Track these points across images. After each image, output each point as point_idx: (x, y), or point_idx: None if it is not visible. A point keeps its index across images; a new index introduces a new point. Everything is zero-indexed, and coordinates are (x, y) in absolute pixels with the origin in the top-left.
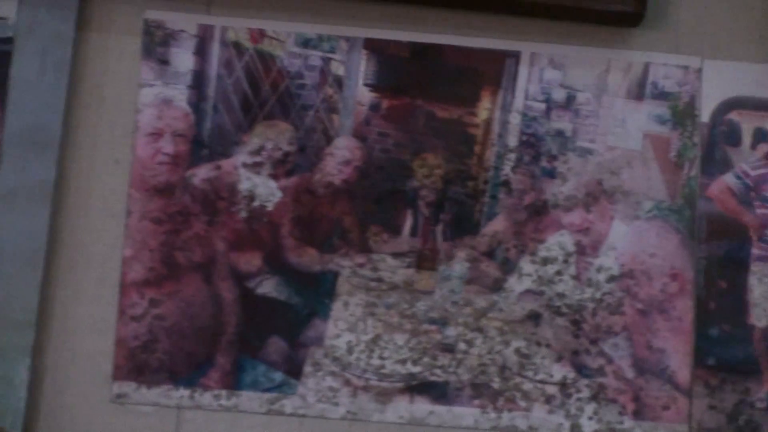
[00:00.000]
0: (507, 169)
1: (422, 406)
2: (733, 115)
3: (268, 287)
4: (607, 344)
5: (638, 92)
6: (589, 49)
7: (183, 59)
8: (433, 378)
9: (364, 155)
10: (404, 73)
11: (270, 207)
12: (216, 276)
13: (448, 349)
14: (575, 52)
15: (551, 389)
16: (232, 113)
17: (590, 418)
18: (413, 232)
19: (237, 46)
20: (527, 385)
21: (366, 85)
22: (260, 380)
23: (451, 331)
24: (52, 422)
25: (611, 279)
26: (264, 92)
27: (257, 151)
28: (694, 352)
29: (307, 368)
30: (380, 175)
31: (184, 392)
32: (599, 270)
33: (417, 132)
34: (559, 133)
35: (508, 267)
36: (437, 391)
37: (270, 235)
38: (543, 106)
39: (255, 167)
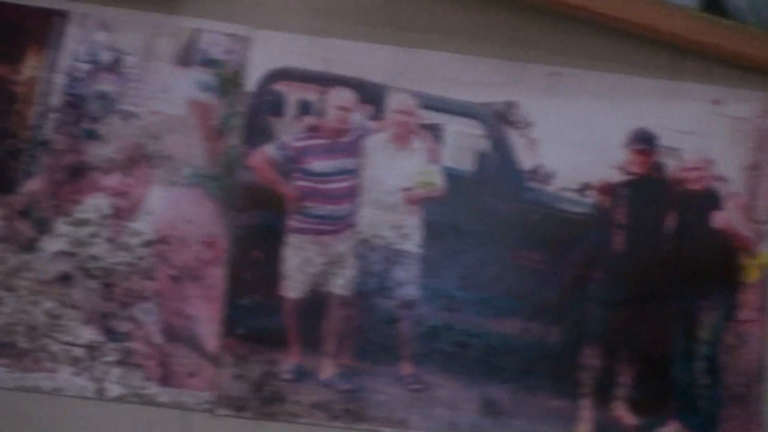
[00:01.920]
0: (48, 128)
1: None
2: (279, 86)
3: None
4: (138, 309)
5: (186, 58)
6: (140, 13)
7: None
8: None
9: None
10: None
11: None
12: None
13: None
14: (126, 15)
15: (78, 351)
16: None
17: (116, 382)
18: None
19: None
20: (55, 347)
21: None
22: None
23: None
24: None
25: (145, 244)
26: None
27: None
28: (224, 321)
29: None
30: None
31: None
32: (134, 234)
33: None
34: (104, 96)
35: (43, 227)
36: None
37: None
38: (89, 67)
39: None
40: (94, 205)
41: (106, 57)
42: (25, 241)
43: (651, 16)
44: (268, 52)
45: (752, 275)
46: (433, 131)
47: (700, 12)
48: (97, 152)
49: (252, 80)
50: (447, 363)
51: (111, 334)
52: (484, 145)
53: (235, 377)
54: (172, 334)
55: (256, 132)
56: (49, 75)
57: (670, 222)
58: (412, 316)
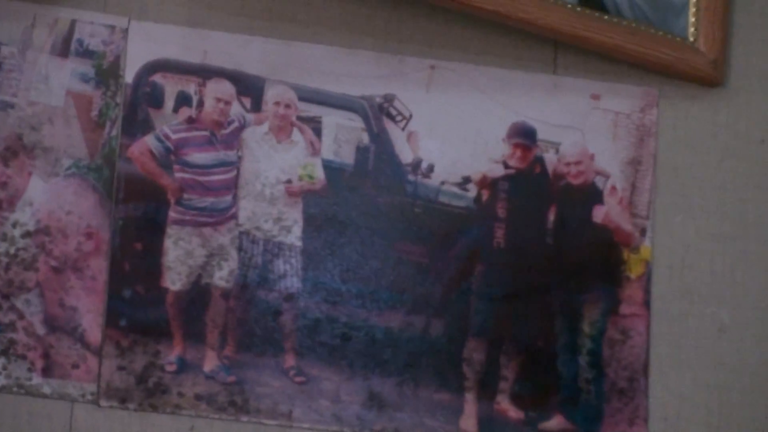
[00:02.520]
0: None
1: None
2: (157, 78)
3: None
4: (20, 300)
5: (63, 49)
6: (17, 3)
7: None
8: None
9: None
10: None
11: None
12: None
13: None
14: (1, 5)
15: None
16: None
17: None
18: None
19: None
20: None
21: None
22: None
23: None
24: None
25: (26, 235)
26: None
27: None
28: (107, 313)
29: None
30: None
31: None
32: (15, 225)
33: None
34: None
35: None
36: None
37: None
38: None
39: None
40: None
41: None
42: None
43: (529, 10)
44: (146, 43)
45: (634, 270)
46: (313, 124)
47: (579, 6)
48: None
49: (130, 71)
50: (330, 356)
51: None
52: (364, 138)
53: (118, 369)
54: (54, 325)
55: (136, 123)
56: None
57: (551, 216)
58: (295, 308)
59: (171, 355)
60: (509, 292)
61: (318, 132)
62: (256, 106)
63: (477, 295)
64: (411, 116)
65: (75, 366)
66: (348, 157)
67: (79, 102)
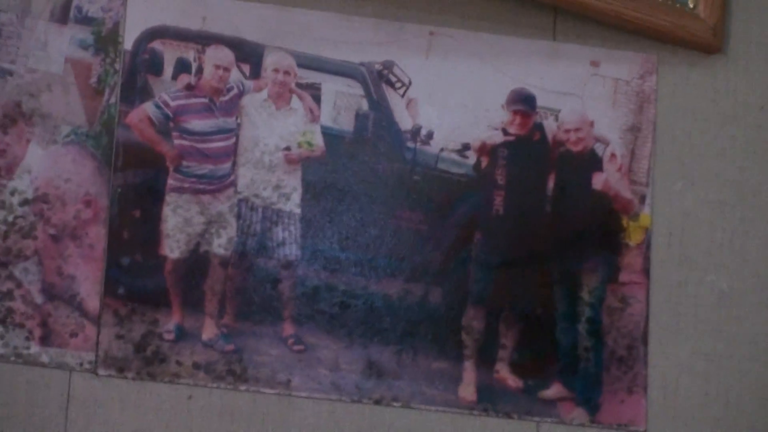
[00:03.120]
0: None
1: None
2: (156, 44)
3: None
4: (18, 268)
5: (62, 16)
6: None
7: None
8: None
9: None
10: None
11: None
12: None
13: None
14: None
15: None
16: None
17: None
18: None
19: None
20: None
21: None
22: None
23: None
24: None
25: (24, 202)
26: None
27: None
28: (105, 281)
29: None
30: None
31: None
32: (13, 193)
33: None
34: None
35: None
36: None
37: None
38: None
39: None
40: None
41: None
42: None
43: None
44: (145, 9)
45: (634, 237)
46: (312, 90)
47: None
48: None
49: (129, 38)
50: (329, 324)
51: None
52: (363, 104)
53: (116, 337)
54: (52, 294)
55: (135, 90)
56: None
57: (551, 183)
58: (293, 276)
59: (169, 323)
60: (508, 260)
61: (317, 99)
62: (255, 73)
63: (476, 263)
64: (410, 83)
65: (73, 335)
66: (347, 124)
67: (78, 69)
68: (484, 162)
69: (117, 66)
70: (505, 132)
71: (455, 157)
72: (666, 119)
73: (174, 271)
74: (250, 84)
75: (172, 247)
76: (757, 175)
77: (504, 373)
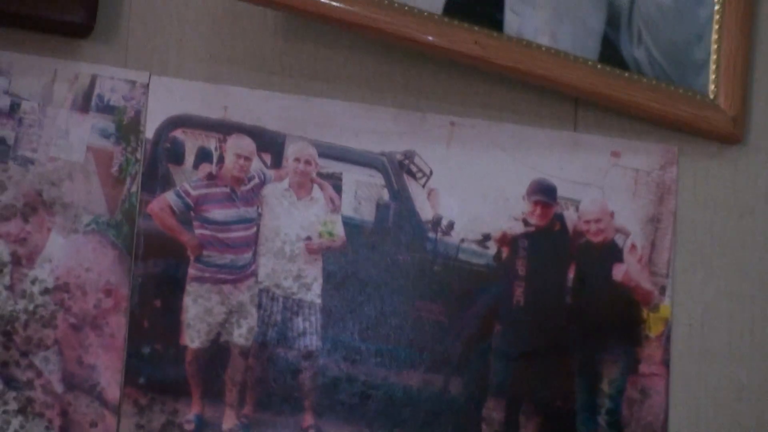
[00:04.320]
0: None
1: None
2: (178, 133)
3: None
4: (38, 357)
5: (84, 104)
6: (37, 58)
7: None
8: None
9: None
10: None
11: None
12: None
13: None
14: (22, 60)
15: None
16: None
17: None
18: None
19: None
20: None
21: None
22: None
23: None
24: None
25: (45, 291)
26: None
27: None
28: (126, 370)
29: None
30: None
31: None
32: (33, 282)
33: None
34: (1, 142)
35: None
36: None
37: None
38: None
39: None
40: None
41: (3, 102)
42: None
43: (549, 67)
44: (167, 98)
45: (654, 329)
46: (333, 180)
47: (599, 64)
48: None
49: (150, 127)
50: (349, 415)
51: (10, 383)
52: (384, 194)
53: (136, 427)
54: (72, 383)
55: (156, 179)
56: None
57: (571, 274)
58: (314, 367)
59: (189, 413)
60: (528, 351)
61: (338, 188)
62: (277, 162)
63: (496, 354)
64: (431, 173)
65: (93, 424)
66: (368, 214)
67: (100, 157)
68: (505, 253)
69: (138, 155)
70: (525, 222)
71: (476, 247)
72: (686, 210)
73: (194, 361)
74: (271, 173)
75: (193, 337)
76: None
77: None
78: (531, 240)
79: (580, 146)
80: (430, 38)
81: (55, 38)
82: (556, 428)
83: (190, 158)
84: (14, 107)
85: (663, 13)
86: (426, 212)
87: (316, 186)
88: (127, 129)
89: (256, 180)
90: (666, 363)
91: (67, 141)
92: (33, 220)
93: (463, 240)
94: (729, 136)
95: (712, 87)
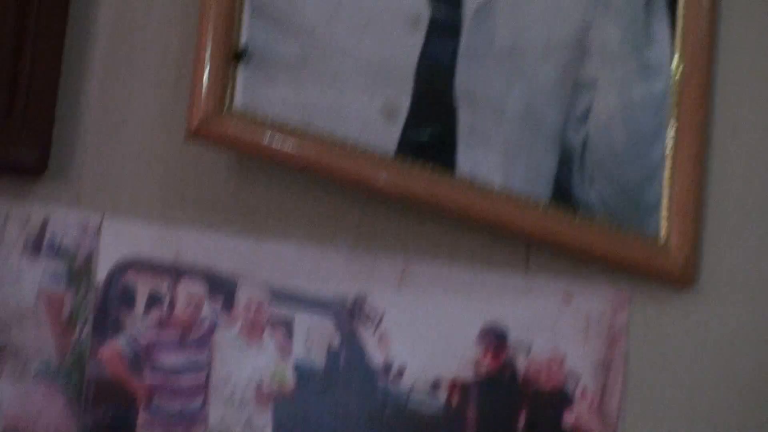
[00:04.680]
0: None
1: None
2: (129, 277)
3: None
4: None
5: (36, 246)
6: None
7: None
8: None
9: None
10: None
11: None
12: None
13: None
14: None
15: None
16: None
17: None
18: None
19: None
20: None
21: None
22: None
23: None
24: None
25: None
26: None
27: None
28: None
29: None
30: None
31: None
32: None
33: None
34: None
35: None
36: None
37: None
38: None
39: None
40: None
41: None
42: None
43: (500, 210)
44: (119, 240)
45: None
46: (284, 325)
47: (551, 206)
48: None
49: (102, 270)
50: None
51: None
52: (335, 340)
53: None
54: None
55: (106, 325)
56: None
57: (522, 422)
58: None
59: None
60: None
61: (289, 333)
62: (228, 306)
63: None
64: (382, 317)
65: None
66: (319, 359)
67: (50, 302)
68: (455, 400)
69: (89, 299)
70: (476, 367)
71: (426, 395)
72: (638, 353)
73: None
74: (222, 318)
75: None
76: (729, 410)
77: None
78: (481, 387)
79: (531, 290)
80: (383, 179)
81: (5, 178)
82: None
83: (141, 302)
84: None
85: (615, 154)
86: (377, 357)
87: (267, 331)
88: (79, 272)
89: (207, 325)
90: None
91: (18, 285)
92: None
93: (413, 387)
94: (680, 279)
95: (663, 230)
